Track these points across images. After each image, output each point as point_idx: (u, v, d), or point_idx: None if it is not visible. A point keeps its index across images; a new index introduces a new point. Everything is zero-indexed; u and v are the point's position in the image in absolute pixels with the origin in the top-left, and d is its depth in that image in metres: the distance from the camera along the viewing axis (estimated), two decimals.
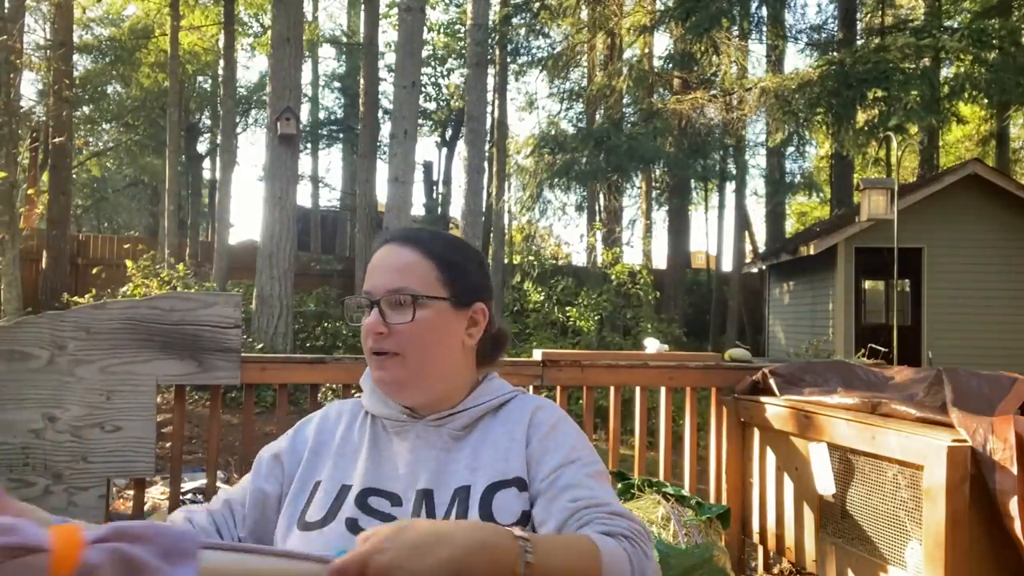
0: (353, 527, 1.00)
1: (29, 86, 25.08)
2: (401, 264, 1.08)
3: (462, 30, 17.48)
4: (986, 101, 10.76)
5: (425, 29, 14.77)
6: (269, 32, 11.69)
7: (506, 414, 1.11)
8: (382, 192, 10.77)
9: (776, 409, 2.68)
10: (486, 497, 1.01)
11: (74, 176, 17.00)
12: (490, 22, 11.57)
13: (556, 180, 11.34)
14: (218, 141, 18.31)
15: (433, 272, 1.08)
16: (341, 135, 20.78)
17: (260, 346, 8.29)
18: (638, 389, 3.01)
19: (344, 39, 22.51)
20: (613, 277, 9.85)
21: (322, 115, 21.75)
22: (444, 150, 21.18)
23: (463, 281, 1.10)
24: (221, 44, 16.75)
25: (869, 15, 16.12)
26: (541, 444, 1.06)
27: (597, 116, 14.57)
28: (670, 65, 14.48)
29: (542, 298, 10.23)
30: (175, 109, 14.66)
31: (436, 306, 1.07)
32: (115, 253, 14.14)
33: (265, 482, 1.11)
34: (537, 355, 2.87)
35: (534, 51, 13.35)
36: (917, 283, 11.29)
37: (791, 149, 15.46)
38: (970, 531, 1.92)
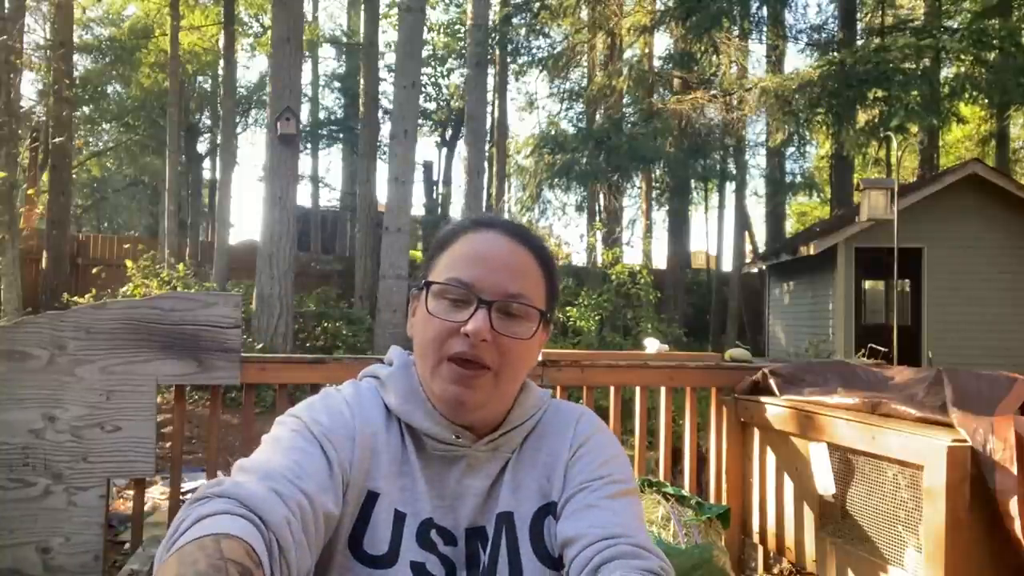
0: (420, 572, 0.85)
1: (29, 86, 25.08)
2: (520, 267, 0.92)
3: (462, 30, 17.47)
4: (986, 101, 10.77)
5: (425, 29, 14.77)
6: (269, 32, 11.68)
7: (544, 426, 0.98)
8: (382, 192, 10.77)
9: (776, 409, 2.68)
10: (536, 523, 0.90)
11: (74, 176, 16.99)
12: (490, 22, 11.57)
13: (556, 180, 11.35)
14: (218, 141, 18.32)
15: (542, 284, 0.94)
16: (341, 135, 20.77)
17: (260, 346, 8.29)
18: (638, 389, 3.00)
19: (344, 39, 22.48)
20: (613, 277, 9.84)
21: (322, 115, 21.76)
22: (444, 150, 21.20)
23: (555, 297, 0.98)
24: (221, 44, 16.74)
25: (869, 15, 16.11)
26: (576, 457, 0.95)
27: (597, 116, 14.56)
28: (670, 65, 14.48)
29: None
30: (175, 109, 14.65)
31: (541, 323, 0.93)
32: (115, 253, 14.14)
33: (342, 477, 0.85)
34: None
35: (534, 51, 13.35)
36: (917, 283, 11.28)
37: (791, 149, 15.47)
38: (970, 531, 1.92)
